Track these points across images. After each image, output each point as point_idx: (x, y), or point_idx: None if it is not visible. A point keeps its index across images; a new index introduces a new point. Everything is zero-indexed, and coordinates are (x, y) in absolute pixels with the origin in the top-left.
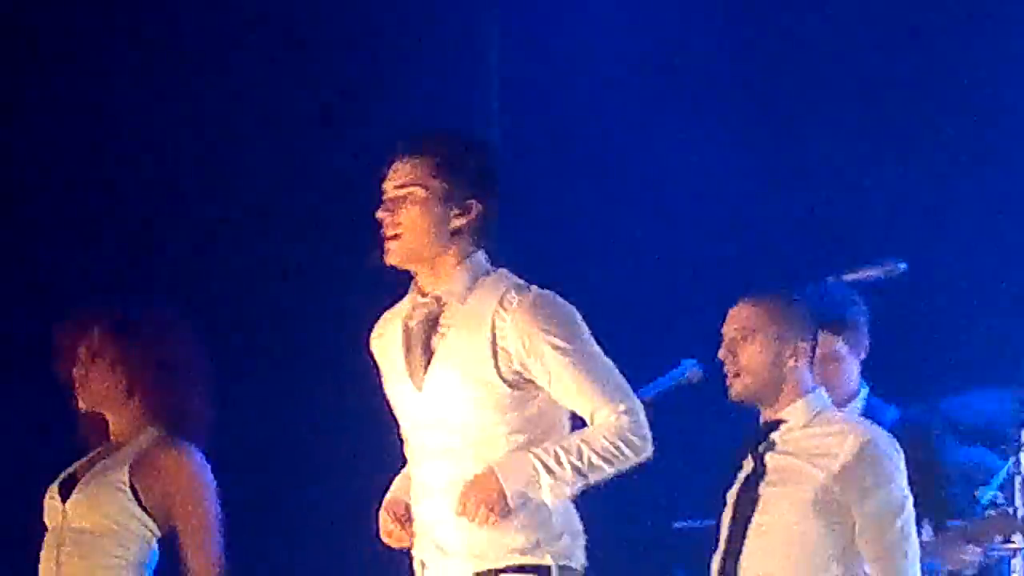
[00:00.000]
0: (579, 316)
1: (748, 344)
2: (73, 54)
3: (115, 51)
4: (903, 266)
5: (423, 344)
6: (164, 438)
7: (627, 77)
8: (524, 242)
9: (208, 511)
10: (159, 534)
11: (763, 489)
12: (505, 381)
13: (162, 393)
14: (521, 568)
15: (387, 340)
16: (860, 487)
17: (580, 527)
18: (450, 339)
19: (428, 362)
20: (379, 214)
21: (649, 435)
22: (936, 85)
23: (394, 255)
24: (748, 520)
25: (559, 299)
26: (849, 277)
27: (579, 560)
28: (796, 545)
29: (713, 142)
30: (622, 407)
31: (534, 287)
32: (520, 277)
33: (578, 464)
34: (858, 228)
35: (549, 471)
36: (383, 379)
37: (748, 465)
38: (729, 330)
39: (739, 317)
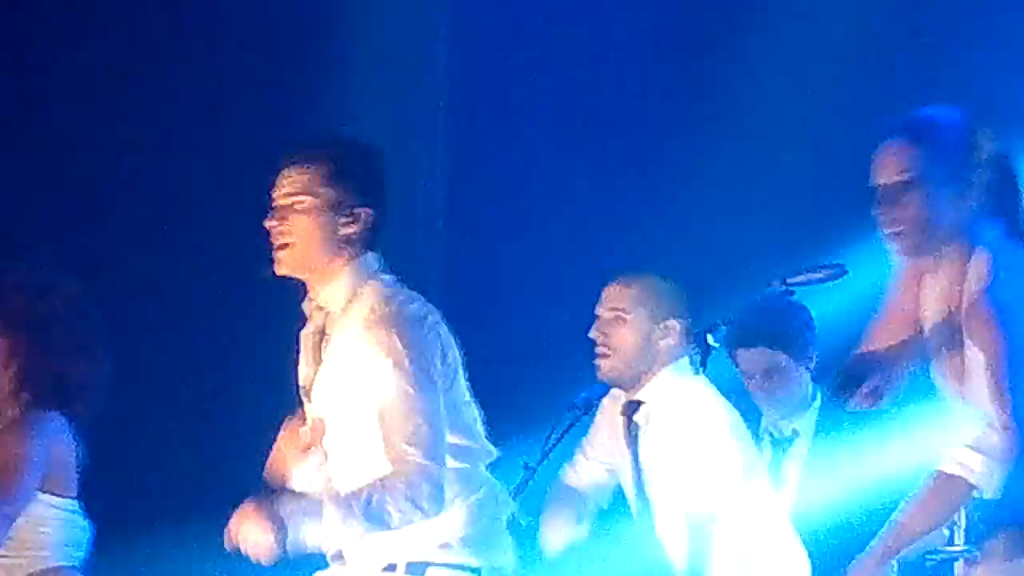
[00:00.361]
0: (427, 342)
1: (620, 325)
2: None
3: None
4: (843, 269)
5: (314, 354)
6: (23, 411)
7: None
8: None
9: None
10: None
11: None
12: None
13: (37, 361)
14: (455, 565)
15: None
16: None
17: (503, 530)
18: (332, 349)
19: (316, 372)
20: (267, 223)
21: (437, 496)
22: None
23: (283, 265)
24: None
25: (412, 320)
26: (791, 282)
27: (506, 564)
28: None
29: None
30: (418, 462)
31: (396, 302)
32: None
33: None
34: (801, 238)
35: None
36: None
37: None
38: (602, 311)
39: (612, 298)
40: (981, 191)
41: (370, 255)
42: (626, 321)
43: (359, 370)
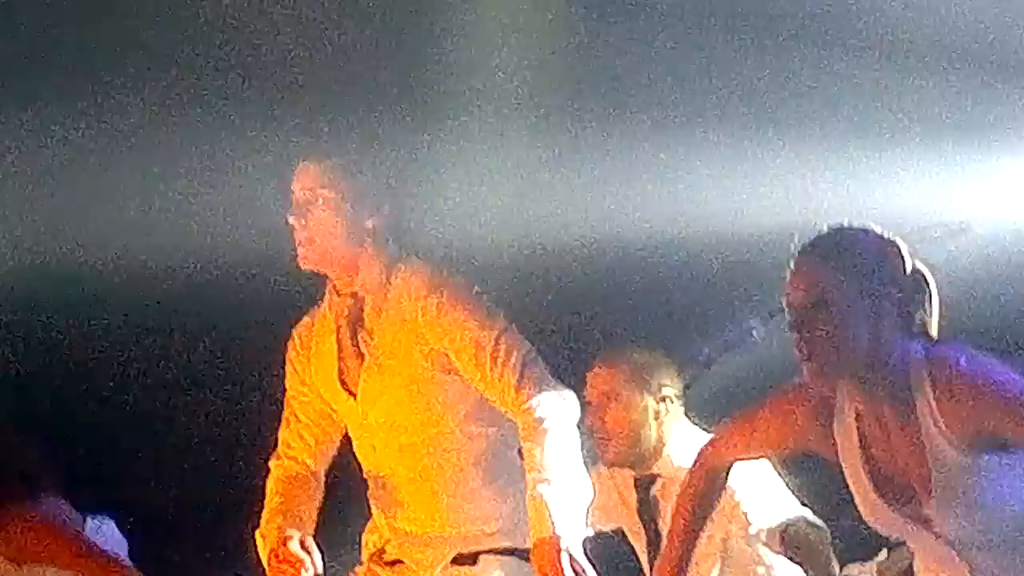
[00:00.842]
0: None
1: (615, 408)
2: None
3: None
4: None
5: (352, 347)
6: None
7: None
8: None
9: None
10: None
11: None
12: (443, 373)
13: None
14: (498, 551)
15: (316, 349)
16: None
17: None
18: (379, 340)
19: (360, 366)
20: (290, 219)
21: (562, 391)
22: None
23: (307, 260)
24: None
25: (471, 286)
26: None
27: None
28: None
29: None
30: (534, 401)
31: (448, 276)
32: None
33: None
34: None
35: (543, 484)
36: (316, 388)
37: (641, 532)
38: (592, 396)
39: (599, 382)
40: (895, 308)
41: (393, 246)
42: (621, 402)
43: (418, 355)
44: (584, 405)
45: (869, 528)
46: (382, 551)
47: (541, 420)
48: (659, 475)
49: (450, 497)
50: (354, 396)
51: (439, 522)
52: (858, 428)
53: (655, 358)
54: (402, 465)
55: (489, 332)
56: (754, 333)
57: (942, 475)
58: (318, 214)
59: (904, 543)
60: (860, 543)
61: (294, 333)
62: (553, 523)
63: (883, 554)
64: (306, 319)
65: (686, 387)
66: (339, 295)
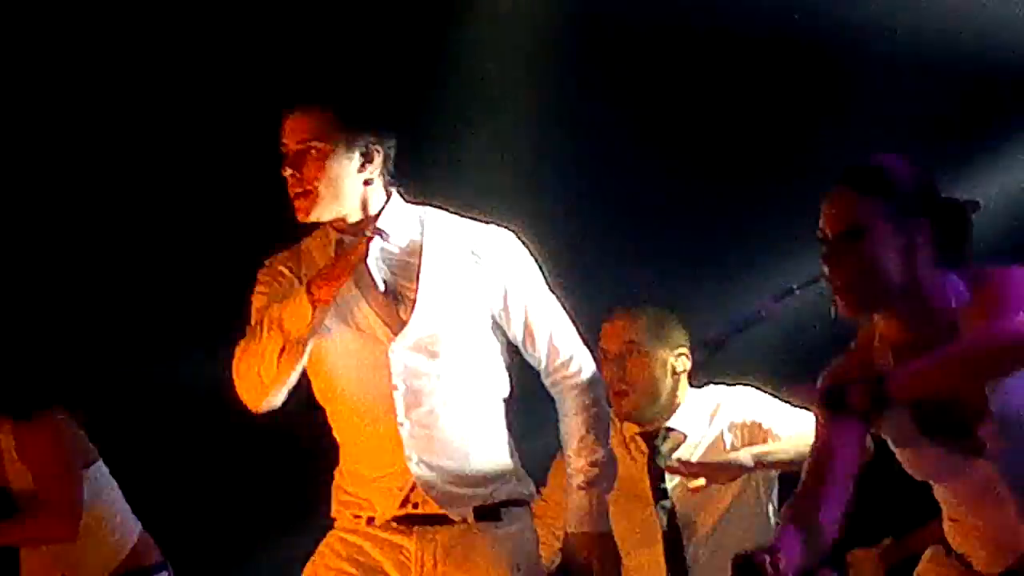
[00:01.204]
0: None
1: (638, 357)
2: None
3: None
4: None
5: (385, 285)
6: None
7: None
8: None
9: None
10: None
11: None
12: (486, 320)
13: None
14: (515, 502)
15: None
16: None
17: None
18: (427, 280)
19: (397, 303)
20: (284, 172)
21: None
22: None
23: (306, 212)
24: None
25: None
26: None
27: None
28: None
29: None
30: (582, 362)
31: (493, 225)
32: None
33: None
34: None
35: (599, 478)
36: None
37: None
38: (613, 345)
39: (622, 331)
40: (929, 239)
41: (396, 192)
42: (643, 353)
43: (468, 298)
44: (599, 356)
45: (875, 514)
46: (406, 499)
47: (587, 401)
48: (671, 428)
49: (478, 437)
50: (392, 330)
51: (468, 463)
52: (896, 364)
53: (669, 315)
54: (429, 405)
55: (544, 302)
56: (764, 312)
57: (996, 391)
58: (312, 166)
59: (913, 531)
60: (864, 529)
61: (273, 263)
62: (598, 519)
63: (887, 541)
64: (286, 253)
65: (698, 367)
66: (347, 235)
